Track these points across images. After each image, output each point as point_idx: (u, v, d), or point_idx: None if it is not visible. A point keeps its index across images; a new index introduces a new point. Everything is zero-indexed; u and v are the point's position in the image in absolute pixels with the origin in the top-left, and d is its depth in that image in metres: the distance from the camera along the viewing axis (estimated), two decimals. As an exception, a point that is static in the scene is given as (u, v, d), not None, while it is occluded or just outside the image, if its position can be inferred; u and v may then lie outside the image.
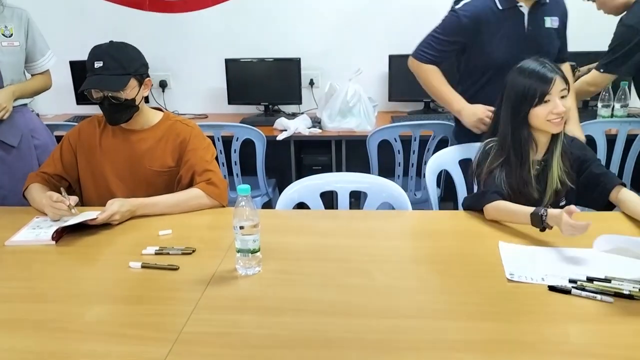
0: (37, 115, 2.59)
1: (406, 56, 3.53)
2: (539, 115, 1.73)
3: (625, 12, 2.60)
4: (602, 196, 1.77)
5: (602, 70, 2.66)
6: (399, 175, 3.04)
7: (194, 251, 1.61)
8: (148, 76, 1.95)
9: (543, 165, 1.81)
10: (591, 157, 1.86)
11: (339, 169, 3.27)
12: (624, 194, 1.75)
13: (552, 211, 1.53)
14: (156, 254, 1.60)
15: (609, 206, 1.80)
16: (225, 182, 1.97)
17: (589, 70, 3.02)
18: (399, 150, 2.98)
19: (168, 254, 1.60)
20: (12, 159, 2.33)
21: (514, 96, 1.76)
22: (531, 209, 1.59)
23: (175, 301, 1.37)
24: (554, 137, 1.79)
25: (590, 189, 1.81)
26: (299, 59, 3.53)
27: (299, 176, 3.27)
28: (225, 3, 3.64)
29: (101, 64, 1.83)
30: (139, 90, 1.91)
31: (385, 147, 3.00)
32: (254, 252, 1.45)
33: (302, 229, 1.80)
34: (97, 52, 1.86)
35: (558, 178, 1.78)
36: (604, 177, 1.80)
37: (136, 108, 1.93)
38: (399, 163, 3.01)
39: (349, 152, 3.26)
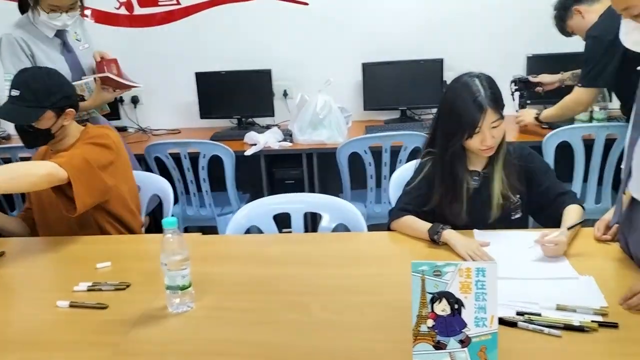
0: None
1: (380, 64, 3.50)
2: (471, 146, 1.72)
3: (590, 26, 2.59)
4: (556, 216, 1.70)
5: (580, 85, 2.65)
6: (371, 188, 2.95)
7: (128, 286, 1.52)
8: (71, 107, 1.89)
9: (484, 178, 1.77)
10: (542, 169, 1.81)
11: (311, 183, 3.18)
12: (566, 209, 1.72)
13: (452, 231, 1.64)
14: (88, 290, 1.52)
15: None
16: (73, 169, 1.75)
17: (572, 75, 2.95)
18: (369, 163, 2.89)
19: (100, 290, 1.52)
20: None
21: (447, 122, 1.72)
22: (429, 225, 1.68)
23: (96, 347, 1.28)
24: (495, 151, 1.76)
25: (547, 208, 1.78)
26: (270, 70, 3.45)
27: (272, 191, 3.22)
28: (193, 16, 3.56)
29: (17, 93, 1.80)
30: (56, 121, 1.86)
31: (359, 158, 2.91)
32: (183, 288, 1.37)
33: (246, 256, 1.71)
34: (18, 79, 1.83)
35: (500, 193, 1.74)
36: (563, 196, 1.76)
37: (51, 137, 1.89)
38: (371, 175, 2.92)
39: (321, 165, 3.17)
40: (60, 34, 2.51)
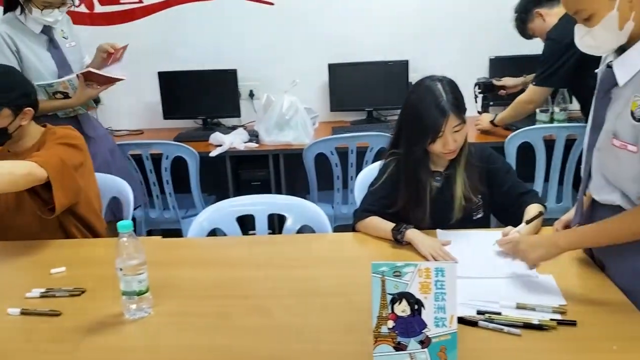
0: None
1: (346, 65, 3.49)
2: (434, 149, 1.72)
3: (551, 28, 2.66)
4: (518, 215, 1.71)
5: (534, 83, 2.72)
6: (338, 189, 2.94)
7: (83, 292, 1.47)
8: (29, 106, 1.82)
9: (446, 178, 1.77)
10: (503, 169, 1.83)
11: (278, 184, 3.15)
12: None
13: (415, 231, 1.64)
14: (41, 296, 1.46)
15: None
16: (51, 167, 1.72)
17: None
18: (336, 164, 2.88)
19: (54, 296, 1.46)
20: None
21: (410, 126, 1.73)
22: (393, 225, 1.68)
23: (47, 355, 1.24)
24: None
25: (509, 208, 1.79)
26: (235, 70, 3.41)
27: (238, 192, 3.18)
28: (156, 14, 3.49)
29: None
30: (12, 120, 1.79)
31: (325, 159, 2.90)
32: (140, 294, 1.33)
33: (207, 259, 1.68)
34: None
35: (462, 194, 1.74)
36: (525, 196, 1.78)
37: (7, 137, 1.82)
38: (337, 176, 2.91)
39: (288, 166, 3.15)
40: (46, 30, 2.46)
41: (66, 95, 2.44)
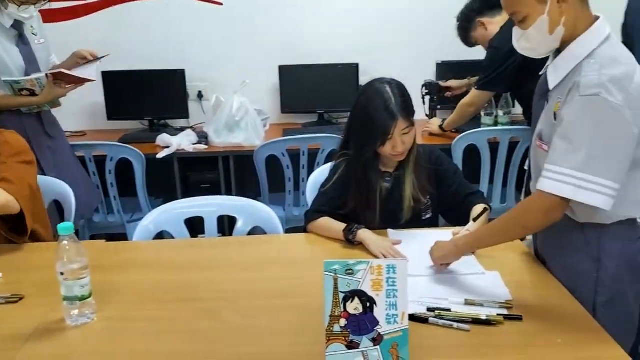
0: None
1: (296, 66, 3.49)
2: (383, 151, 1.74)
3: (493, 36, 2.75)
4: (465, 215, 1.75)
5: (476, 88, 2.83)
6: (290, 191, 2.93)
7: (21, 299, 1.40)
8: None
9: (396, 179, 1.79)
10: (451, 170, 1.87)
11: (228, 186, 3.10)
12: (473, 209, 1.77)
13: (366, 231, 1.65)
14: (-26, 305, 1.38)
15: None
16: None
17: None
18: (287, 165, 2.87)
19: (-11, 304, 1.38)
20: None
21: (360, 128, 1.74)
22: (344, 226, 1.69)
23: (-20, 366, 1.16)
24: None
25: (456, 208, 1.83)
26: (183, 70, 3.34)
27: (186, 195, 3.09)
28: (100, 12, 3.38)
29: None
30: None
31: (277, 161, 2.87)
32: (82, 299, 1.27)
33: (153, 263, 1.62)
34: None
35: (411, 195, 1.76)
36: (471, 197, 1.82)
37: None
38: (289, 178, 2.90)
39: (239, 168, 3.10)
40: (17, 25, 2.34)
41: (32, 93, 2.35)
